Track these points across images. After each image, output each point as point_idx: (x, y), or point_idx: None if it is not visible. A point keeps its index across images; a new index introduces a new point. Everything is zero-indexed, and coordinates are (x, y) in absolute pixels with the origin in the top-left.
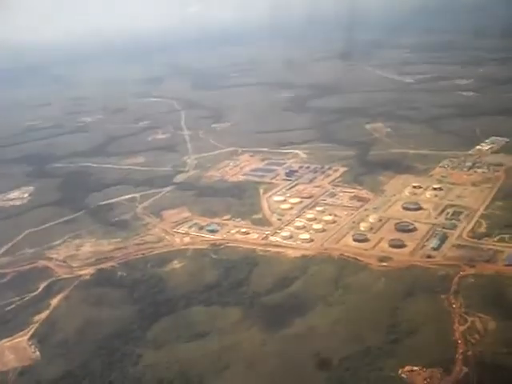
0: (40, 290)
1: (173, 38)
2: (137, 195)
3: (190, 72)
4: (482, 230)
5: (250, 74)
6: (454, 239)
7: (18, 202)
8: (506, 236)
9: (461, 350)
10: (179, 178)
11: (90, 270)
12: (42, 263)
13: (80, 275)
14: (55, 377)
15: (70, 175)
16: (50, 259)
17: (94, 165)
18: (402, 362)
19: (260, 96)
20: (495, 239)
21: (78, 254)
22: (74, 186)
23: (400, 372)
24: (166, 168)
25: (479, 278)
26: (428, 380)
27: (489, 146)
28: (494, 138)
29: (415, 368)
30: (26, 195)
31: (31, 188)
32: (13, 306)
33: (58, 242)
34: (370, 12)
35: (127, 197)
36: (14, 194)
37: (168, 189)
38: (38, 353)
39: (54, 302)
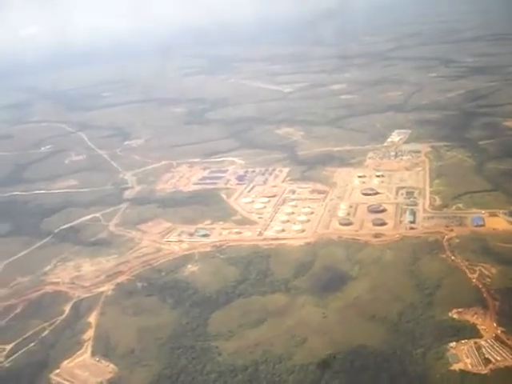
0: (67, 312)
1: (14, 61)
2: (97, 215)
3: (54, 94)
4: (439, 202)
5: (123, 93)
6: (422, 213)
7: None
8: (460, 205)
9: (484, 291)
10: (129, 194)
11: (108, 286)
12: (49, 288)
13: (101, 292)
14: (149, 380)
15: (4, 205)
16: (56, 283)
17: (23, 193)
18: (446, 308)
19: (153, 112)
20: (453, 208)
21: (82, 274)
22: (17, 216)
23: (450, 315)
24: (106, 187)
25: (462, 238)
26: (476, 316)
27: (398, 138)
28: (397, 130)
29: (460, 309)
30: None
31: None
32: (46, 331)
33: (49, 267)
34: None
35: (87, 217)
36: None
37: (124, 205)
38: (112, 365)
39: (92, 319)
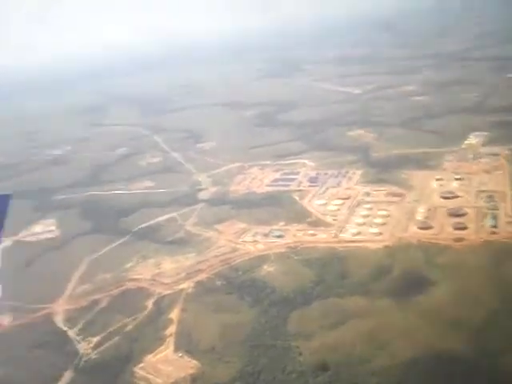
0: (149, 308)
1: (90, 65)
2: (174, 215)
3: (129, 98)
4: None
5: (194, 96)
6: (504, 217)
7: (49, 235)
8: None
9: None
10: (204, 195)
11: (188, 284)
12: (131, 284)
13: (182, 289)
14: (232, 377)
15: (85, 204)
16: (138, 280)
17: (102, 193)
18: None
19: (223, 115)
20: None
21: (163, 271)
22: (97, 214)
23: None
24: (182, 188)
25: None
26: None
27: (476, 140)
28: (474, 133)
29: None
30: (52, 228)
31: (52, 220)
32: (130, 326)
33: (130, 264)
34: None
35: (165, 217)
36: (39, 228)
37: (199, 206)
38: (194, 361)
39: (174, 316)
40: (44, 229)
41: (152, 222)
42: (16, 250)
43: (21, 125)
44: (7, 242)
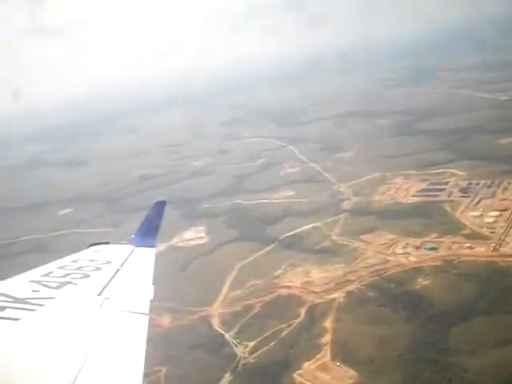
0: (302, 315)
1: (223, 79)
2: (318, 224)
3: (264, 111)
4: None
5: (327, 107)
6: None
7: (200, 242)
8: None
9: None
10: (347, 205)
11: (339, 294)
12: (283, 291)
13: (333, 299)
14: None
15: (231, 213)
16: (289, 287)
17: (245, 201)
18: None
19: (358, 125)
20: None
21: (312, 280)
22: (243, 222)
23: None
24: (323, 198)
25: None
26: None
27: None
28: None
29: None
30: (202, 234)
31: (201, 228)
32: (285, 332)
33: (279, 272)
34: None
35: (309, 226)
36: (189, 235)
37: (343, 215)
38: (352, 371)
39: (328, 324)
40: (194, 235)
41: (297, 231)
42: (170, 254)
43: (162, 138)
44: (161, 246)
